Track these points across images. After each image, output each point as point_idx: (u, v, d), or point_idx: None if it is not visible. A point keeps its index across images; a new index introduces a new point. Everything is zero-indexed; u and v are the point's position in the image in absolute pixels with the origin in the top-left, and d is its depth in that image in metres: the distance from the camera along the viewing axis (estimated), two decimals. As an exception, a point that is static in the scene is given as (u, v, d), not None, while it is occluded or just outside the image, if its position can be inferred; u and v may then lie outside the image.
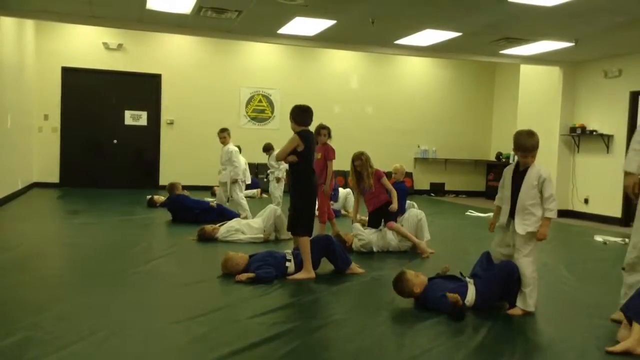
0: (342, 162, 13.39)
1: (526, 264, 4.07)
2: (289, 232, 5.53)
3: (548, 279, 5.43)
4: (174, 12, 8.08)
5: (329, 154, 7.02)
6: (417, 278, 4.24)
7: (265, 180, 11.16)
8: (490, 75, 15.27)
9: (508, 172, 4.25)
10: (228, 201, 8.74)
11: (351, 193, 9.85)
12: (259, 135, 13.44)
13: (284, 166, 10.30)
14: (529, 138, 4.07)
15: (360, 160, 6.78)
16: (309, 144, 5.02)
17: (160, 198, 9.75)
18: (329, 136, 7.25)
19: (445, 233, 8.21)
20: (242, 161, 11.95)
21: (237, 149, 8.81)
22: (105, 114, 12.70)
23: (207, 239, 6.71)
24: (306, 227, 5.05)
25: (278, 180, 10.06)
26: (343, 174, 13.78)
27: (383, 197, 6.63)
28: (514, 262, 4.18)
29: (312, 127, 5.23)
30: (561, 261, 6.33)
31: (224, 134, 8.78)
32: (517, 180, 4.13)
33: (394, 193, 6.72)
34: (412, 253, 6.46)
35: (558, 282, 5.35)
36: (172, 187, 8.68)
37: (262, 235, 6.81)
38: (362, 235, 6.29)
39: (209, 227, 6.84)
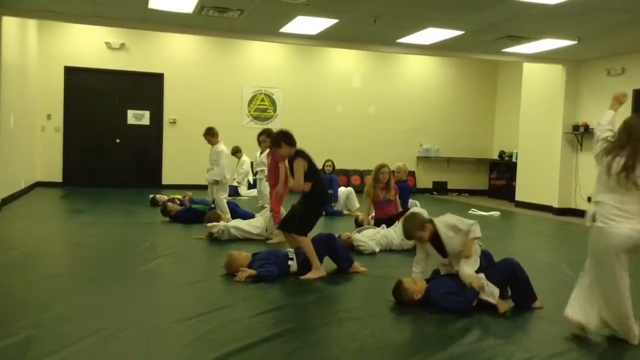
0: (344, 162, 13.47)
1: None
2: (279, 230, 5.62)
3: (551, 277, 5.43)
4: (177, 12, 8.09)
5: (278, 156, 7.00)
6: (416, 285, 4.22)
7: (254, 178, 11.10)
8: (493, 74, 15.24)
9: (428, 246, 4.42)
10: (213, 202, 8.25)
11: (352, 192, 9.85)
12: (262, 134, 13.46)
13: None
14: (406, 230, 4.42)
15: (387, 167, 7.29)
16: (310, 160, 5.18)
17: (162, 197, 9.75)
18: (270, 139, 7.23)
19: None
20: (247, 162, 11.97)
21: (226, 150, 8.37)
22: (108, 114, 12.71)
23: (214, 219, 6.88)
24: (305, 230, 5.11)
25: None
26: (345, 172, 13.81)
27: (392, 209, 7.17)
28: (514, 259, 4.30)
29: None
30: (564, 259, 6.32)
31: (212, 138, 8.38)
32: (439, 247, 4.33)
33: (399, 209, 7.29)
34: (414, 251, 6.44)
35: (561, 280, 5.34)
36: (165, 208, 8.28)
37: (264, 234, 6.82)
38: (365, 245, 6.25)
39: (215, 212, 7.06)
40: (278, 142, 5.24)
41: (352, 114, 14.14)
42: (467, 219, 4.34)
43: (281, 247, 5.79)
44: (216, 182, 7.98)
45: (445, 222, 4.29)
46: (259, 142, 7.33)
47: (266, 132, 7.34)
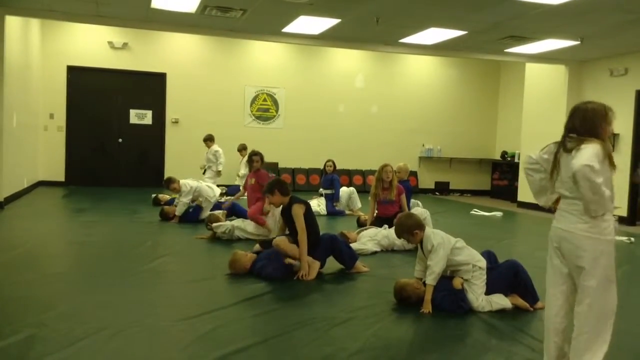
0: (346, 162, 13.47)
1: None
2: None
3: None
4: (179, 11, 8.10)
5: (264, 179, 7.12)
6: (413, 280, 4.29)
7: (203, 174, 10.94)
8: (496, 74, 15.23)
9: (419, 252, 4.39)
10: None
11: (355, 192, 9.84)
12: (264, 134, 13.47)
13: (223, 160, 10.76)
14: (395, 229, 4.41)
15: (389, 166, 7.35)
16: (307, 205, 5.20)
17: (165, 197, 9.75)
18: (262, 162, 7.50)
19: (450, 232, 8.14)
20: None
21: (187, 186, 8.17)
22: (111, 113, 12.73)
23: (215, 220, 6.94)
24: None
25: (219, 173, 10.47)
26: (347, 172, 13.81)
27: (394, 209, 7.16)
28: (517, 261, 4.36)
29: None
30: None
31: (173, 185, 8.27)
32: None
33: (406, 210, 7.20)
34: (416, 251, 6.44)
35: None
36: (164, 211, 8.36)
37: (267, 234, 6.83)
38: (363, 249, 6.24)
39: (217, 213, 7.18)
40: (272, 189, 5.22)
41: (354, 114, 14.14)
42: (442, 253, 4.12)
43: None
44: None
45: (428, 237, 4.22)
46: (252, 161, 7.46)
47: (260, 154, 7.48)
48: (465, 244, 4.34)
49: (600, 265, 2.83)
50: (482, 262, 4.22)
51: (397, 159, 9.92)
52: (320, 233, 5.31)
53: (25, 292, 4.24)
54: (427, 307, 4.04)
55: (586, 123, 2.92)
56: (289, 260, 5.06)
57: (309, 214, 5.16)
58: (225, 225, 6.79)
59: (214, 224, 6.81)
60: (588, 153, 2.77)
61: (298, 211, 5.05)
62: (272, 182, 5.35)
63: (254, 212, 6.92)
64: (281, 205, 5.33)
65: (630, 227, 9.60)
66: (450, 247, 4.20)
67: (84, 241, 6.39)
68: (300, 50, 13.51)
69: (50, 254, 5.82)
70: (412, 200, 8.24)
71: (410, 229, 4.24)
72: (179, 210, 8.09)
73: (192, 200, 8.32)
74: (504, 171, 14.33)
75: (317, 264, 5.06)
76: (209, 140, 11.06)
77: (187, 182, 8.23)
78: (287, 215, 5.20)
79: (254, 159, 7.46)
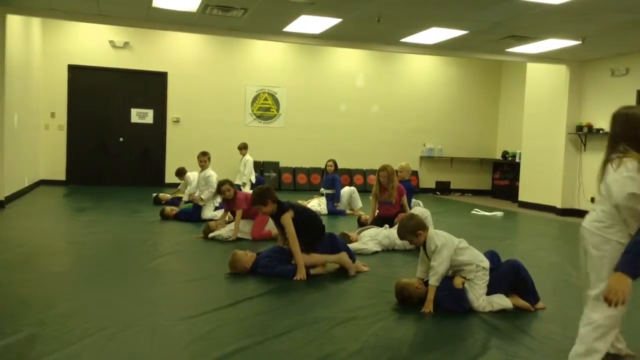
0: (347, 161, 13.47)
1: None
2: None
3: (554, 277, 5.42)
4: (180, 10, 8.11)
5: (241, 203, 6.83)
6: (414, 279, 4.29)
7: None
8: (497, 74, 15.22)
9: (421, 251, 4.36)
10: None
11: (355, 192, 9.85)
12: (265, 133, 13.48)
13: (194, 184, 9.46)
14: (398, 230, 4.39)
15: (385, 171, 7.29)
16: (295, 207, 5.16)
17: (166, 196, 9.76)
18: (234, 189, 7.05)
19: (451, 232, 8.14)
20: (250, 161, 11.78)
21: (216, 174, 8.30)
22: (112, 112, 12.74)
23: (209, 231, 6.81)
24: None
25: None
26: (348, 172, 13.81)
27: (394, 209, 7.22)
28: (518, 260, 4.35)
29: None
30: (567, 259, 6.31)
31: (204, 158, 8.36)
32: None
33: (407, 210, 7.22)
34: (417, 251, 6.44)
35: (564, 279, 5.34)
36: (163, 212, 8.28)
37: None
38: (364, 249, 6.24)
39: (213, 224, 6.91)
40: (264, 199, 5.07)
41: (355, 114, 14.14)
42: (446, 253, 4.11)
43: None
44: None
45: (432, 238, 4.21)
46: (222, 192, 6.95)
47: (229, 181, 7.10)
48: (468, 244, 4.33)
49: (605, 267, 2.71)
50: (485, 263, 4.22)
51: (398, 158, 9.92)
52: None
53: (26, 291, 4.24)
54: (428, 307, 4.05)
55: (629, 131, 2.77)
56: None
57: (299, 217, 5.08)
58: (220, 235, 6.72)
59: (210, 235, 6.75)
60: (629, 175, 2.64)
61: (287, 219, 5.00)
62: (261, 192, 5.12)
63: (257, 234, 6.79)
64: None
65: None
66: (454, 247, 4.19)
67: (84, 240, 6.39)
68: (302, 50, 13.51)
69: (51, 253, 5.82)
70: (413, 200, 8.24)
71: (414, 230, 4.23)
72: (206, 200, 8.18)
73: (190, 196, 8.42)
74: (505, 171, 14.33)
75: (322, 257, 5.07)
76: (183, 173, 10.16)
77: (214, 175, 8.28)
78: (277, 220, 5.16)
79: (223, 188, 6.88)
